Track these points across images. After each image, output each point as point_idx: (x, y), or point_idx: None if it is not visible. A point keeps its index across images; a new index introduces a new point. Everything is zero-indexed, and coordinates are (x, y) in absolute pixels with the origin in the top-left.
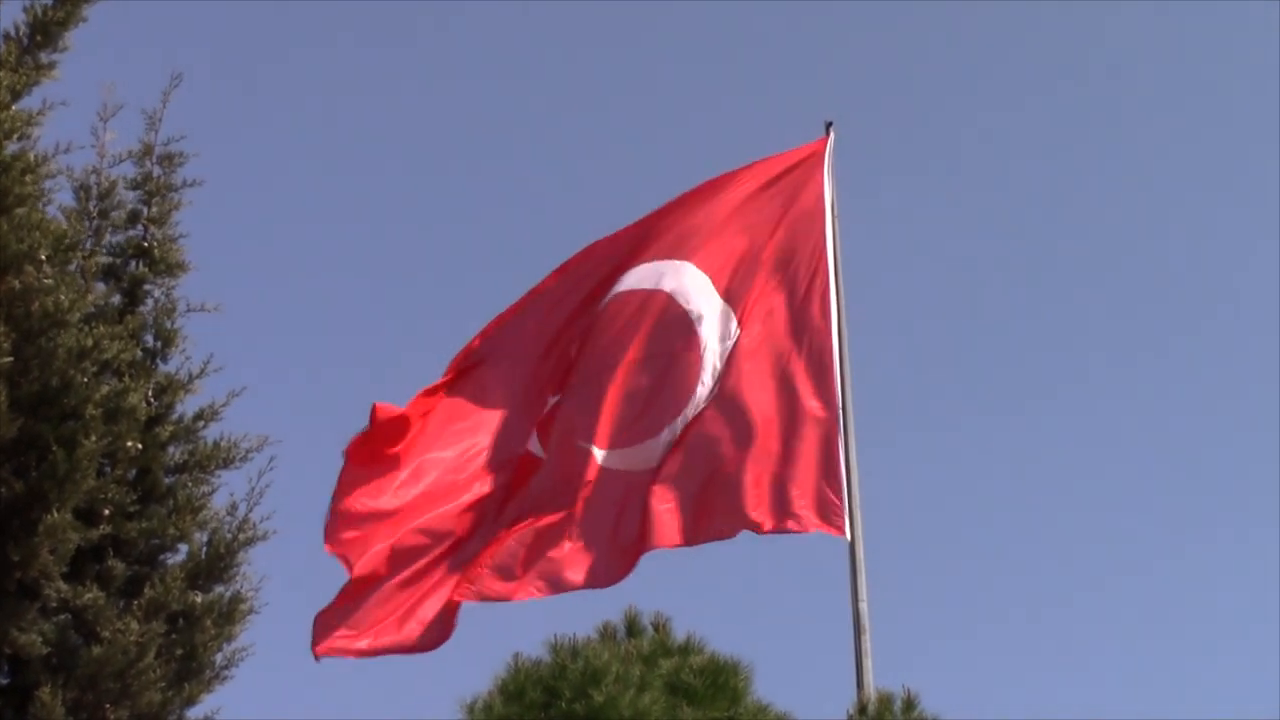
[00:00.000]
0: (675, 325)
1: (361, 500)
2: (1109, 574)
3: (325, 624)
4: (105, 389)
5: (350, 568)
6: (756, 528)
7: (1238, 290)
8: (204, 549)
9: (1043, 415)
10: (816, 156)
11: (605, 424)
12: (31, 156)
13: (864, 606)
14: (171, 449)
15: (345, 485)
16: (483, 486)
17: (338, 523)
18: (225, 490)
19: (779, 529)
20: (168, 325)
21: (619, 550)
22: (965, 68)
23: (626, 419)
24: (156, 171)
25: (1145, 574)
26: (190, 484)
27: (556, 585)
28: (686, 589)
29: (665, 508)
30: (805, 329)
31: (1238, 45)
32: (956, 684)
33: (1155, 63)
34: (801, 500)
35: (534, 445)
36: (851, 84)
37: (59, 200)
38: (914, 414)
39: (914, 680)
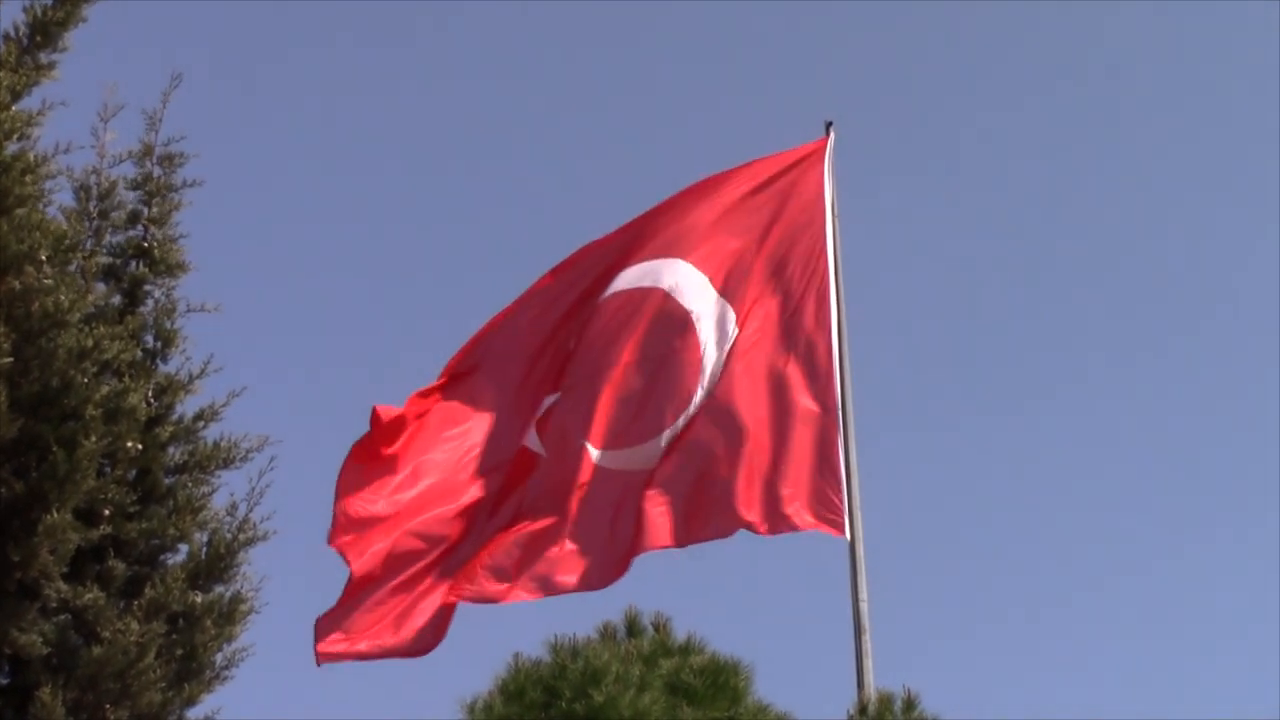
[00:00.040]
0: (673, 323)
1: (358, 503)
2: (1109, 574)
3: (324, 628)
4: (105, 389)
5: (350, 569)
6: (751, 528)
7: (1237, 290)
8: (204, 549)
9: (1042, 415)
10: (816, 156)
11: (603, 424)
12: (31, 157)
13: (864, 606)
14: (172, 449)
15: (344, 487)
16: (477, 490)
17: (338, 524)
18: (225, 490)
19: (774, 530)
20: (168, 325)
21: (613, 552)
22: (965, 68)
23: (625, 420)
24: (156, 172)
25: (1145, 574)
26: (190, 484)
27: (550, 587)
28: (686, 589)
29: (658, 510)
30: (802, 328)
31: (1238, 45)
32: (956, 684)
33: (1155, 63)
34: (795, 500)
35: (533, 442)
36: (851, 84)
37: (59, 201)
38: (914, 414)
39: (914, 680)
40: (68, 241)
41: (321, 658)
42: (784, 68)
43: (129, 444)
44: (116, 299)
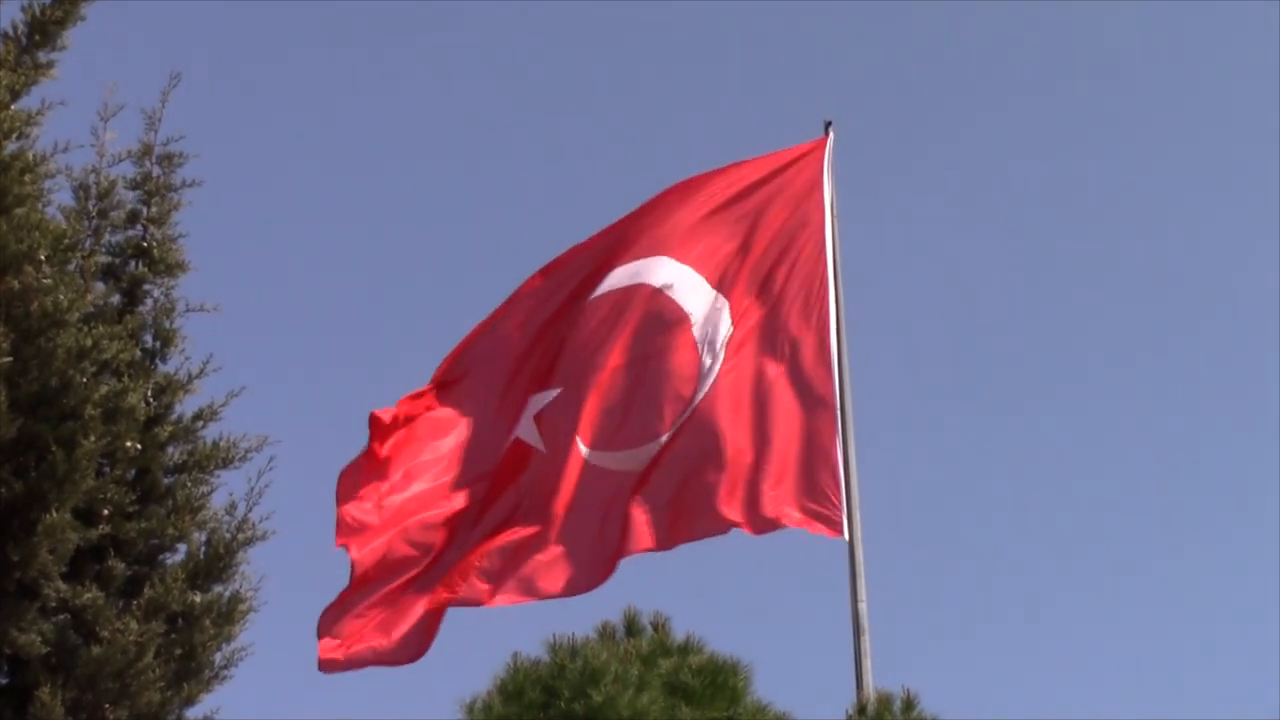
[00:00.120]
0: (667, 323)
1: (355, 508)
2: (1109, 574)
3: (323, 625)
4: (104, 389)
5: (352, 570)
6: (736, 528)
7: (1237, 290)
8: (203, 549)
9: (1042, 415)
10: (814, 155)
11: (596, 424)
12: (30, 156)
13: (863, 607)
14: (171, 449)
15: (343, 492)
16: (462, 500)
17: (340, 527)
18: (224, 490)
19: (759, 529)
20: (167, 325)
21: (600, 555)
22: (965, 68)
23: (618, 422)
24: (156, 171)
25: (1145, 574)
26: (189, 484)
27: (535, 592)
28: (686, 589)
29: (645, 513)
30: (790, 329)
31: (1238, 45)
32: (956, 684)
33: (1155, 63)
34: (780, 499)
35: (531, 436)
36: (851, 84)
37: (58, 200)
38: (913, 414)
39: (913, 680)
40: (67, 241)
41: (324, 665)
42: (784, 68)
43: (128, 444)
44: (115, 299)
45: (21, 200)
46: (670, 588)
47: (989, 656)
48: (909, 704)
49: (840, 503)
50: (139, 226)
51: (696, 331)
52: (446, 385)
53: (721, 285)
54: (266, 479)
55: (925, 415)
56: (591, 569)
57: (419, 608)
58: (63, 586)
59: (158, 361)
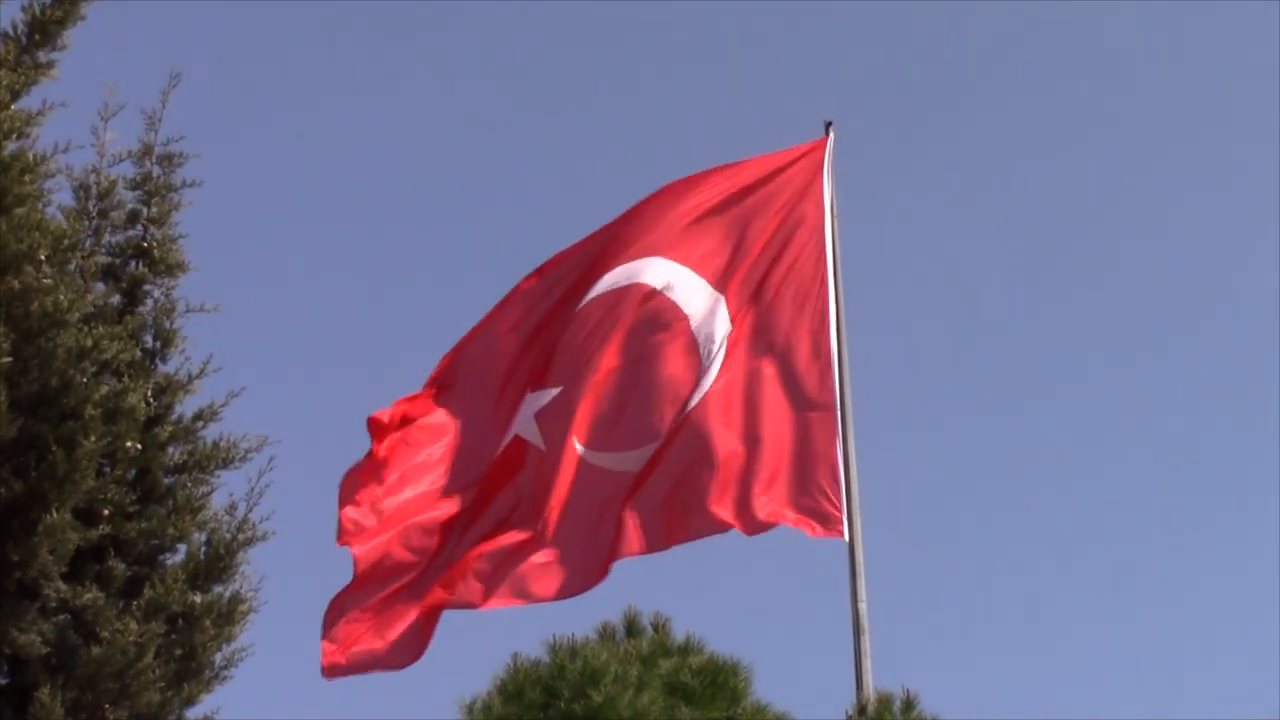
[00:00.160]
0: (664, 324)
1: (350, 512)
2: (1109, 574)
3: (325, 634)
4: (104, 389)
5: (354, 571)
6: (729, 527)
7: (1237, 290)
8: (203, 549)
9: (1042, 415)
10: (812, 156)
11: (594, 424)
12: (31, 156)
13: (863, 607)
14: (171, 449)
15: (342, 496)
16: (453, 505)
17: (342, 530)
18: (224, 490)
19: (752, 529)
20: (167, 325)
21: (594, 557)
22: (965, 68)
23: (614, 422)
24: (156, 171)
25: (1145, 574)
26: (190, 484)
27: (528, 596)
28: (686, 589)
29: (638, 515)
30: (793, 328)
31: (1238, 45)
32: (956, 684)
33: (1155, 63)
34: (773, 499)
35: (531, 434)
36: (851, 84)
37: (58, 200)
38: (913, 414)
39: (913, 681)
40: (67, 241)
41: (326, 671)
42: (784, 68)
43: (128, 444)
44: (116, 299)
45: (22, 200)
46: (670, 588)
47: (989, 656)
48: (909, 704)
49: (840, 503)
50: (139, 226)
51: (694, 332)
52: (441, 388)
53: (719, 285)
54: (266, 479)
55: (925, 415)
56: (585, 572)
57: (414, 611)
58: (63, 587)
59: (158, 362)
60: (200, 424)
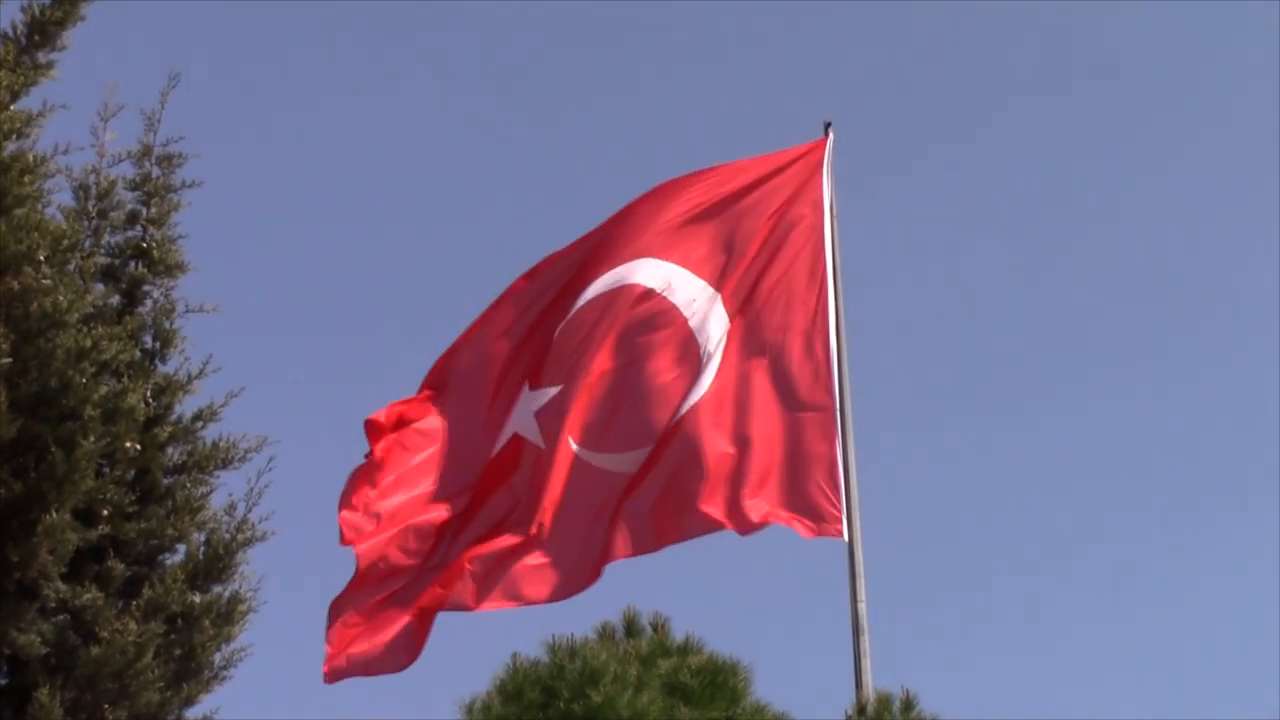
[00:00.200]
0: (662, 323)
1: (348, 515)
2: (1109, 574)
3: (327, 636)
4: (104, 390)
5: (355, 572)
6: (722, 527)
7: (1237, 290)
8: (202, 549)
9: (1042, 415)
10: (810, 157)
11: (590, 424)
12: (31, 157)
13: (863, 607)
14: (170, 449)
15: (342, 499)
16: (457, 502)
17: (343, 533)
18: (224, 491)
19: (744, 528)
20: (166, 326)
21: (587, 561)
22: (965, 68)
23: (609, 423)
24: (155, 172)
25: (1145, 574)
26: (189, 484)
27: (521, 599)
28: (686, 589)
29: (628, 517)
30: (785, 329)
31: (1238, 45)
32: (955, 684)
33: (1155, 63)
34: (770, 500)
35: (531, 432)
36: (851, 84)
37: (58, 201)
38: (913, 414)
39: (913, 681)
40: (66, 242)
41: (328, 676)
42: (784, 68)
43: (128, 444)
44: (115, 299)
45: (21, 201)
46: (670, 588)
47: (989, 656)
48: (908, 704)
49: (840, 503)
50: (139, 227)
51: (692, 332)
52: (436, 391)
53: (716, 286)
54: (266, 479)
55: (925, 416)
56: (578, 574)
57: (409, 613)
58: (62, 587)
59: (157, 362)
60: (200, 424)
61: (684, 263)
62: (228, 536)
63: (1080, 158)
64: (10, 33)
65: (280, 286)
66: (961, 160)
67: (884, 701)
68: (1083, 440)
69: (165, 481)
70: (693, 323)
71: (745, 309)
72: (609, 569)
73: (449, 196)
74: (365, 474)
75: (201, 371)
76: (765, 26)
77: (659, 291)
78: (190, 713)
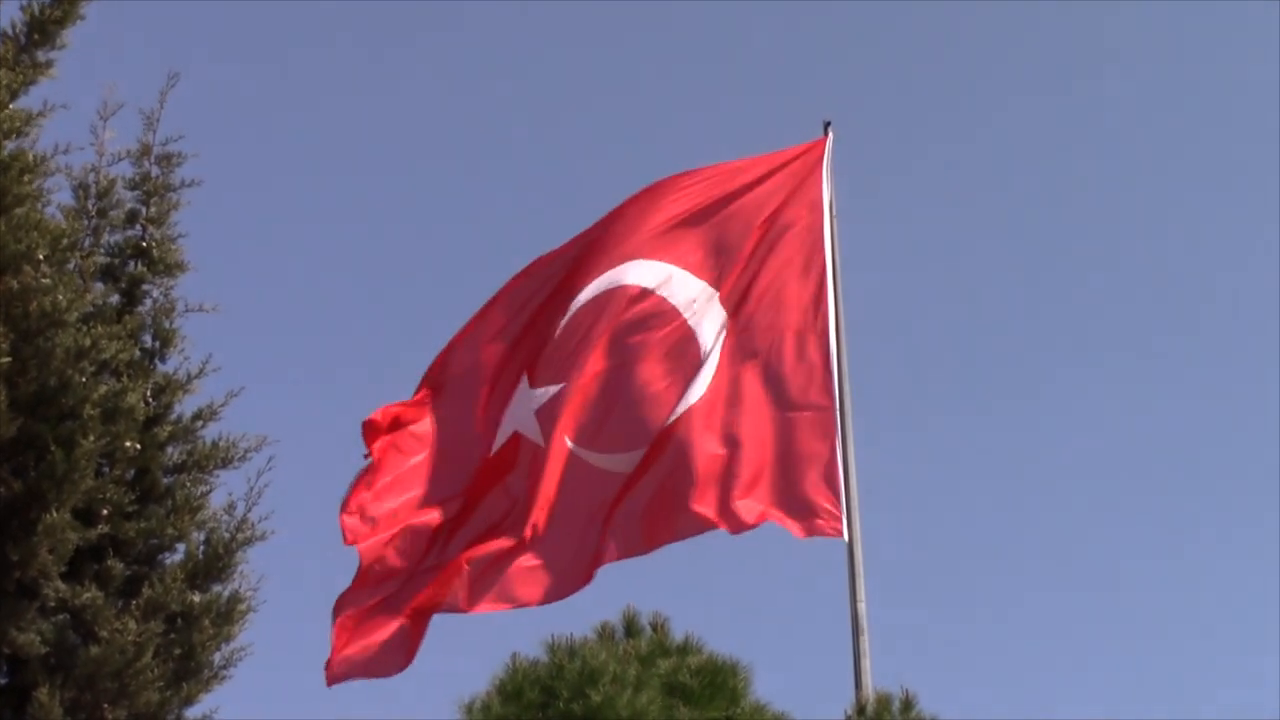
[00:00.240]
0: (660, 323)
1: (347, 519)
2: (1109, 574)
3: (335, 613)
4: (103, 389)
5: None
6: (714, 526)
7: (1237, 290)
8: (202, 549)
9: (1042, 415)
10: (809, 157)
11: (586, 423)
12: (30, 156)
13: (862, 607)
14: (170, 449)
15: (343, 502)
16: (452, 504)
17: (342, 535)
18: (224, 490)
19: (736, 528)
20: (166, 325)
21: (581, 562)
22: (965, 68)
23: (604, 422)
24: (155, 171)
25: (1145, 574)
26: (189, 484)
27: (513, 600)
28: (686, 589)
29: (621, 519)
30: (780, 329)
31: (1238, 45)
32: (955, 684)
33: (1155, 63)
34: (762, 500)
35: (530, 431)
36: (851, 84)
37: (57, 200)
38: (913, 414)
39: (913, 680)
40: (66, 241)
41: (327, 681)
42: (784, 68)
43: (127, 444)
44: (115, 298)
45: (21, 200)
46: (670, 588)
47: (989, 656)
48: (908, 704)
49: (839, 503)
50: (138, 226)
51: (689, 334)
52: (431, 393)
53: (714, 285)
54: (266, 479)
55: (925, 415)
56: (571, 576)
57: (403, 616)
58: (62, 586)
59: (157, 361)
60: (199, 424)
61: (683, 264)
62: (227, 536)
63: (1080, 158)
64: (10, 31)
65: (280, 286)
66: (961, 160)
67: (884, 701)
68: (1083, 440)
69: (165, 481)
70: (692, 323)
71: (739, 311)
72: (608, 569)
73: (449, 196)
74: (365, 477)
75: (201, 371)
76: (765, 26)
77: (656, 291)
78: (190, 712)
